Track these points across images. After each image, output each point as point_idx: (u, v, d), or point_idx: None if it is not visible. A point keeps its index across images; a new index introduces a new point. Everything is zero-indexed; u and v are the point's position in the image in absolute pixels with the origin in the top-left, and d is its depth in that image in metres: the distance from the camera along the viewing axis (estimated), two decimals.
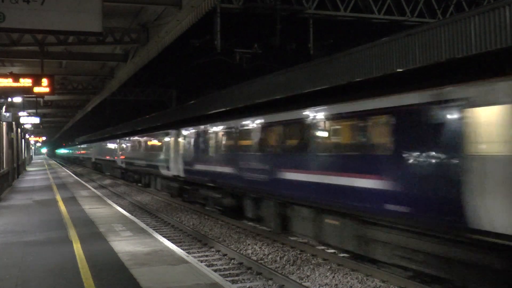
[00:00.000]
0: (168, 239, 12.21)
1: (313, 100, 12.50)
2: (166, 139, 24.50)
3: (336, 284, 9.69)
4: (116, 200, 25.24)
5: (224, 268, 11.15)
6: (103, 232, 12.36)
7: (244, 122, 15.94)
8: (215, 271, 10.23)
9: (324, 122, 11.57)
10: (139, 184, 33.66)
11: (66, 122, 56.58)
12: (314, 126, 11.87)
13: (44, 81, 13.31)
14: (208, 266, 11.09)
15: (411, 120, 8.98)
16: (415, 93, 8.91)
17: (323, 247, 12.45)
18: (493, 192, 7.40)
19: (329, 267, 10.88)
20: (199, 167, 19.79)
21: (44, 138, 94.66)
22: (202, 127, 19.71)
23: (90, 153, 63.10)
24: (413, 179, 8.79)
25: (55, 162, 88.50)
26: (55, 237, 11.82)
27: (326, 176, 11.19)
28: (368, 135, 10.10)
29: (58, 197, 21.40)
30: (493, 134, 7.50)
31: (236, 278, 10.30)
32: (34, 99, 25.33)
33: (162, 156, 25.17)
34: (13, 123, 30.09)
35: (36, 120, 28.54)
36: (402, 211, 9.04)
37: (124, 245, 10.64)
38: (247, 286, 9.79)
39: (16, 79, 13.23)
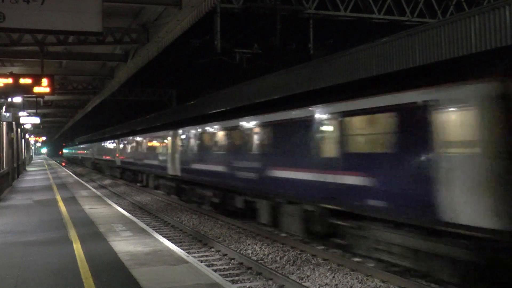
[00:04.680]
0: (168, 239, 12.20)
1: None
2: None
3: (336, 284, 9.69)
4: (116, 200, 25.23)
5: (224, 268, 11.15)
6: (103, 232, 12.36)
7: None
8: (215, 271, 10.23)
9: None
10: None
11: (66, 122, 56.58)
12: None
13: (44, 81, 13.31)
14: (208, 266, 11.08)
15: None
16: None
17: (323, 247, 12.45)
18: None
19: (329, 267, 10.88)
20: None
21: (44, 138, 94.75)
22: None
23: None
24: None
25: (55, 162, 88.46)
26: (55, 237, 11.82)
27: None
28: None
29: (58, 197, 21.39)
30: None
31: (236, 278, 10.30)
32: (34, 99, 25.36)
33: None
34: (13, 123, 30.09)
35: (36, 120, 28.53)
36: None
37: (124, 245, 10.64)
38: (247, 286, 9.79)
39: (16, 79, 13.23)
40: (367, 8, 21.53)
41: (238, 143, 16.27)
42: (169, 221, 17.80)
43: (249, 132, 15.49)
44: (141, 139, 31.74)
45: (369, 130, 10.31)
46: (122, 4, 13.60)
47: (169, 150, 24.22)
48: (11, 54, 17.74)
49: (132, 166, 34.76)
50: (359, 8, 21.52)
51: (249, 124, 15.56)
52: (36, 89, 13.31)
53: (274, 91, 17.02)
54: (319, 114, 11.94)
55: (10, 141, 30.96)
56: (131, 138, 35.40)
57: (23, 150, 52.10)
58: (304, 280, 10.04)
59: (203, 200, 20.34)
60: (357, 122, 10.62)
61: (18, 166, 39.08)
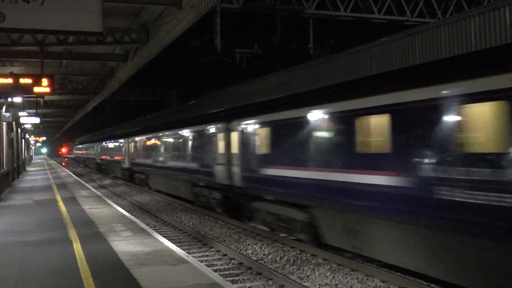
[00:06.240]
0: (168, 239, 12.21)
1: None
2: None
3: (336, 284, 9.69)
4: (116, 200, 25.24)
5: (224, 268, 11.15)
6: (103, 232, 12.36)
7: None
8: (215, 271, 10.24)
9: None
10: None
11: (66, 122, 56.61)
12: None
13: (44, 81, 13.32)
14: (208, 266, 11.09)
15: None
16: None
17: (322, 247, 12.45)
18: None
19: (329, 267, 10.88)
20: None
21: (44, 138, 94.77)
22: None
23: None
24: None
25: (55, 162, 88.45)
26: (55, 237, 11.82)
27: None
28: None
29: (58, 197, 21.40)
30: None
31: (236, 278, 10.30)
32: (34, 99, 25.39)
33: None
34: (13, 123, 30.12)
35: (36, 120, 28.56)
36: None
37: (124, 245, 10.64)
38: (247, 286, 9.79)
39: (16, 79, 13.23)
40: (367, 8, 21.52)
41: (154, 147, 27.37)
42: (169, 221, 17.80)
43: (158, 140, 26.73)
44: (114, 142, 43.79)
45: (196, 140, 19.96)
46: (122, 4, 13.62)
47: (125, 150, 35.84)
48: (11, 54, 17.75)
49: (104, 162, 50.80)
50: (359, 8, 21.50)
51: (158, 135, 26.87)
52: (36, 89, 13.32)
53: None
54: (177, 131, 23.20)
55: (10, 141, 30.96)
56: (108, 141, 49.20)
57: (23, 150, 52.11)
58: (304, 280, 10.04)
59: (141, 181, 32.15)
60: (185, 135, 21.55)
61: (18, 166, 39.08)
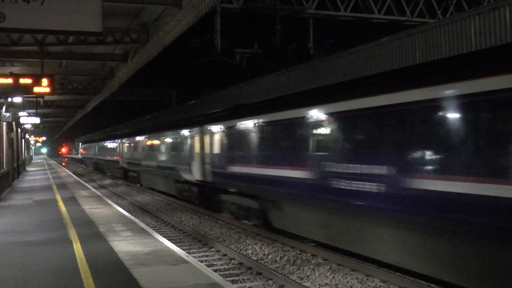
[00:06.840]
0: (168, 239, 12.20)
1: None
2: None
3: (336, 284, 9.69)
4: (116, 200, 25.24)
5: (224, 268, 11.16)
6: (103, 232, 12.36)
7: None
8: (215, 271, 10.23)
9: None
10: None
11: (66, 122, 56.62)
12: None
13: (44, 81, 13.32)
14: (208, 266, 11.09)
15: None
16: None
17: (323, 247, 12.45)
18: None
19: (329, 267, 10.89)
20: None
21: (44, 138, 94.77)
22: None
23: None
24: None
25: (55, 162, 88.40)
26: (55, 237, 11.82)
27: None
28: None
29: (58, 197, 21.40)
30: None
31: (236, 278, 10.30)
32: (34, 99, 25.39)
33: None
34: (13, 123, 30.11)
35: (36, 120, 28.55)
36: None
37: (124, 245, 10.64)
38: (247, 286, 9.79)
39: (16, 79, 13.23)
40: (367, 8, 21.50)
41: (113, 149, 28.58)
42: (169, 221, 17.80)
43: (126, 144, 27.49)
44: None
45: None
46: (122, 4, 13.62)
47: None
48: (11, 54, 17.76)
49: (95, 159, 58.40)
50: (359, 8, 21.47)
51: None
52: (36, 89, 13.32)
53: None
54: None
55: (10, 141, 30.95)
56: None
57: (23, 150, 52.11)
58: (304, 280, 10.04)
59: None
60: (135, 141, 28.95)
61: (18, 166, 39.07)
